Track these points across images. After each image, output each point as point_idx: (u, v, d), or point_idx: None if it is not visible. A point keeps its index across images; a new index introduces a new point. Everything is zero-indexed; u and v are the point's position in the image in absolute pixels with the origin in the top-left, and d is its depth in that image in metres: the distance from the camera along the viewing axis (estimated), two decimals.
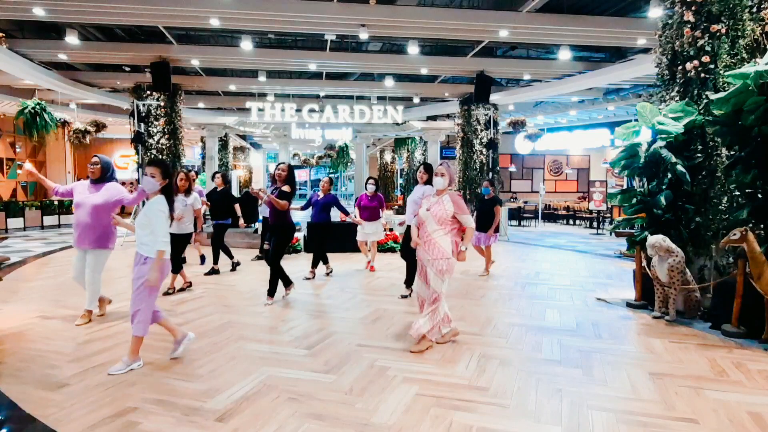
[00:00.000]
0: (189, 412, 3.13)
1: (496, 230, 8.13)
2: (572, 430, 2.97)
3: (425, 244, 4.37)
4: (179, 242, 6.24)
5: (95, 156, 5.14)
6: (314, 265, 7.67)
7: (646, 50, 10.31)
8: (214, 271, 7.80)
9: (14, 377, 3.65)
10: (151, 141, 12.37)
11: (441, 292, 4.34)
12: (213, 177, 8.11)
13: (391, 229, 10.50)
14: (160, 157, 12.38)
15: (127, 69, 13.25)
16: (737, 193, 5.43)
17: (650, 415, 3.15)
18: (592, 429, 2.98)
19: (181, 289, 6.59)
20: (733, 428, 3.00)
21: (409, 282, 6.38)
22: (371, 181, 8.25)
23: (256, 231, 11.76)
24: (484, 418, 3.10)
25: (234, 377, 3.69)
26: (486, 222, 7.98)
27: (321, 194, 7.85)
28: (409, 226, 5.92)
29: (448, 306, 6.10)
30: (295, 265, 8.43)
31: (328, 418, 3.07)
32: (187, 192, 6.59)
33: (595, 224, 16.67)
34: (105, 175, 5.07)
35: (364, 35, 9.19)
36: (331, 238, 8.09)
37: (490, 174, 13.60)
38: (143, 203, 4.19)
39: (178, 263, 6.37)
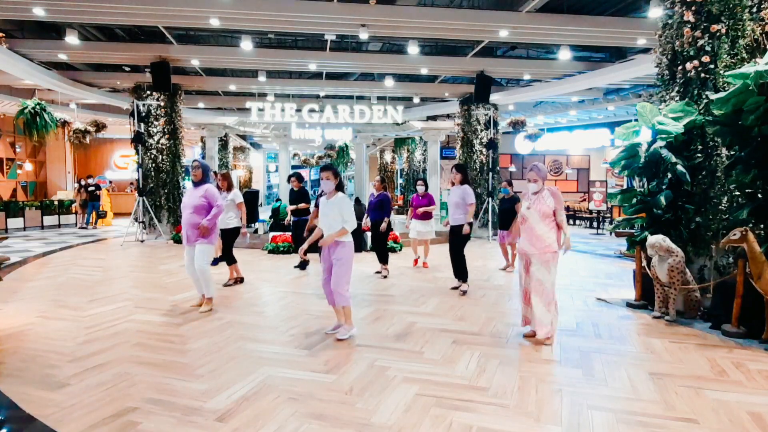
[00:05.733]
0: (189, 412, 3.13)
1: None
2: (572, 430, 2.97)
3: (530, 238, 4.62)
4: (227, 236, 6.91)
5: (195, 160, 5.70)
6: (383, 261, 7.88)
7: (646, 50, 10.30)
8: (304, 263, 8.12)
9: (14, 377, 3.65)
10: (151, 141, 12.37)
11: (550, 282, 4.58)
12: (289, 178, 8.47)
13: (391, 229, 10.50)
14: (160, 157, 12.38)
15: (127, 69, 13.23)
16: (737, 193, 5.43)
17: (650, 415, 3.15)
18: (592, 429, 2.98)
19: (234, 282, 7.03)
20: (733, 428, 3.00)
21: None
22: (420, 182, 8.63)
23: (255, 231, 11.76)
24: (484, 418, 3.10)
25: (234, 377, 3.69)
26: (508, 220, 8.24)
27: (375, 193, 8.20)
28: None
29: (450, 305, 6.09)
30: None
31: (328, 418, 3.07)
32: (228, 189, 7.08)
33: (595, 224, 16.67)
34: (205, 177, 5.62)
35: (364, 35, 9.19)
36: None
37: (491, 174, 13.57)
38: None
39: (230, 257, 6.97)
